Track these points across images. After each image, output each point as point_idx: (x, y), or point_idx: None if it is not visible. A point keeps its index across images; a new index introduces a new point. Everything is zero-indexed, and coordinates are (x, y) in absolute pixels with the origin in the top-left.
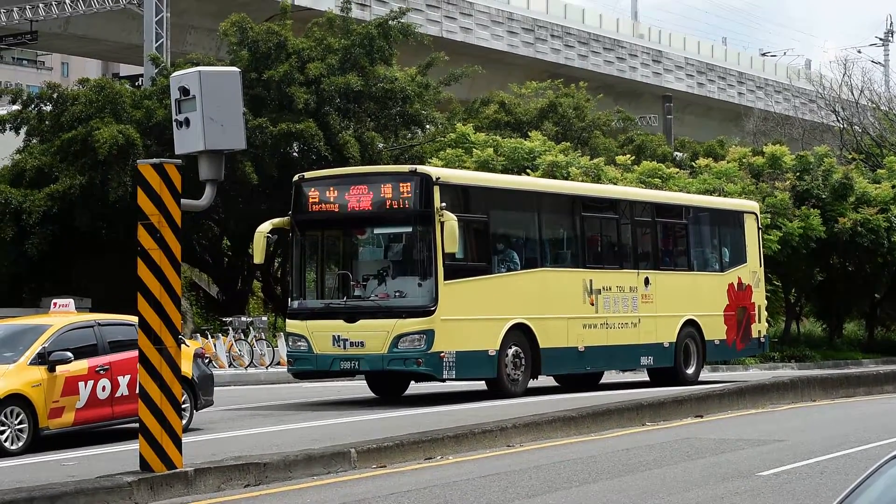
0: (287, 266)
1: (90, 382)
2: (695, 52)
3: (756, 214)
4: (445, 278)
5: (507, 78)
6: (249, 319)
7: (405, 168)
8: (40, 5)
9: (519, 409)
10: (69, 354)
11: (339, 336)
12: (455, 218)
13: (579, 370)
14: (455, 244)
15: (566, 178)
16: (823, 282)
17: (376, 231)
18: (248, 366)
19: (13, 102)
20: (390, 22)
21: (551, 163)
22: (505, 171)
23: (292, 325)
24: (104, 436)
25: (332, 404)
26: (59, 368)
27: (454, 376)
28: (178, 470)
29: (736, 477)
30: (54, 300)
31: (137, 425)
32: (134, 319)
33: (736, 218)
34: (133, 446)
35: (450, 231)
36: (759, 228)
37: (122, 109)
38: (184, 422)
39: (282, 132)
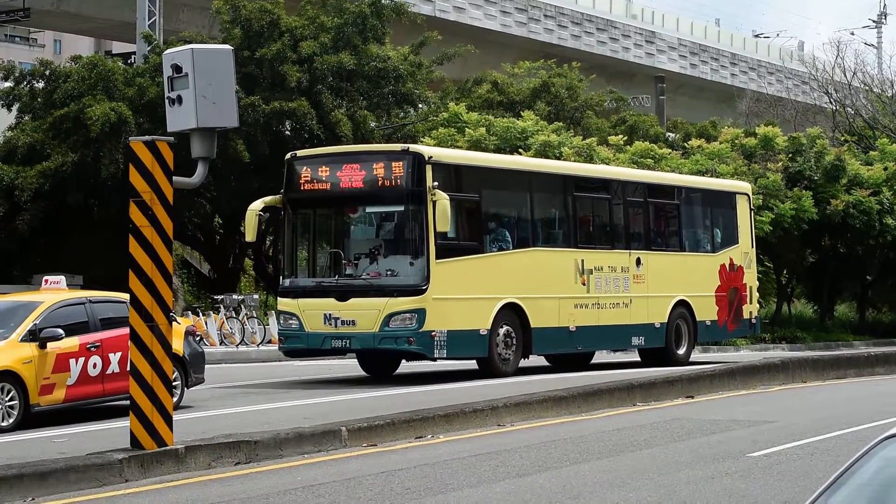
0: (279, 244)
1: (81, 359)
2: (688, 32)
3: (748, 195)
4: (437, 257)
5: (500, 58)
6: (241, 297)
7: (397, 147)
8: None
9: (510, 388)
10: (60, 331)
11: (330, 314)
12: (447, 197)
13: (570, 350)
14: (447, 223)
15: (558, 158)
16: (815, 263)
17: (368, 210)
18: (240, 344)
19: (5, 79)
20: (383, 1)
21: (544, 142)
22: (497, 150)
23: (283, 304)
24: (95, 413)
25: (323, 383)
26: (50, 345)
27: (445, 355)
28: (168, 447)
29: (726, 458)
30: (46, 277)
31: (128, 402)
32: (125, 297)
33: (728, 199)
34: (124, 423)
35: (442, 210)
36: (750, 209)
37: (115, 87)
38: (174, 399)
39: (274, 110)
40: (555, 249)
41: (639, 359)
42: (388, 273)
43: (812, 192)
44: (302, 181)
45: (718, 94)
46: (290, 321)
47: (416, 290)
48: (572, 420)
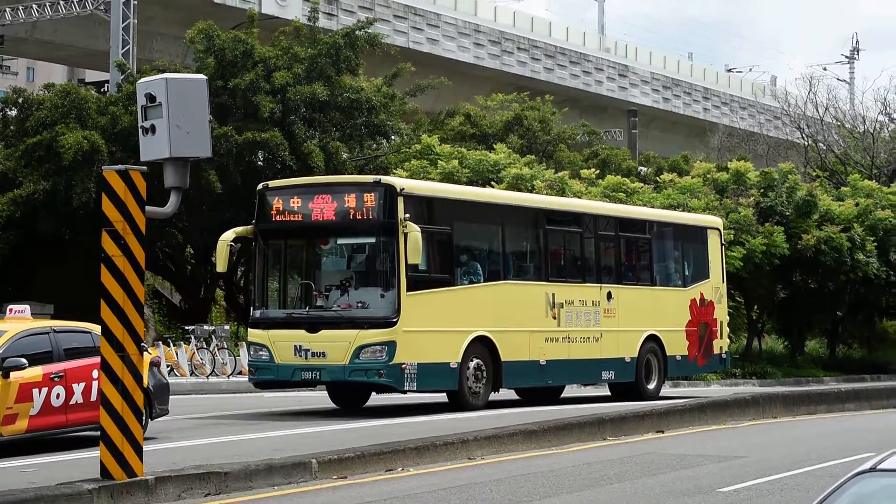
0: (250, 275)
1: (44, 389)
2: (661, 66)
3: (719, 230)
4: (408, 290)
5: (474, 90)
6: (212, 328)
7: (370, 178)
8: (7, 10)
9: (480, 422)
10: (23, 361)
11: (300, 346)
12: (419, 229)
13: (541, 384)
14: (418, 255)
15: (531, 191)
16: (786, 299)
17: (339, 241)
18: (210, 374)
19: None
20: (357, 32)
21: (516, 175)
22: (470, 182)
23: (254, 335)
24: (60, 443)
25: (294, 414)
26: (13, 375)
27: (415, 388)
28: (138, 478)
29: (696, 493)
30: (10, 306)
31: (93, 433)
32: (90, 327)
33: (699, 233)
34: (90, 454)
35: (413, 242)
36: (721, 244)
37: (88, 115)
38: None
39: (247, 141)
40: (526, 283)
41: (609, 393)
42: (359, 305)
43: (783, 228)
44: (273, 212)
45: (691, 128)
46: (261, 352)
47: (387, 323)
48: (543, 454)
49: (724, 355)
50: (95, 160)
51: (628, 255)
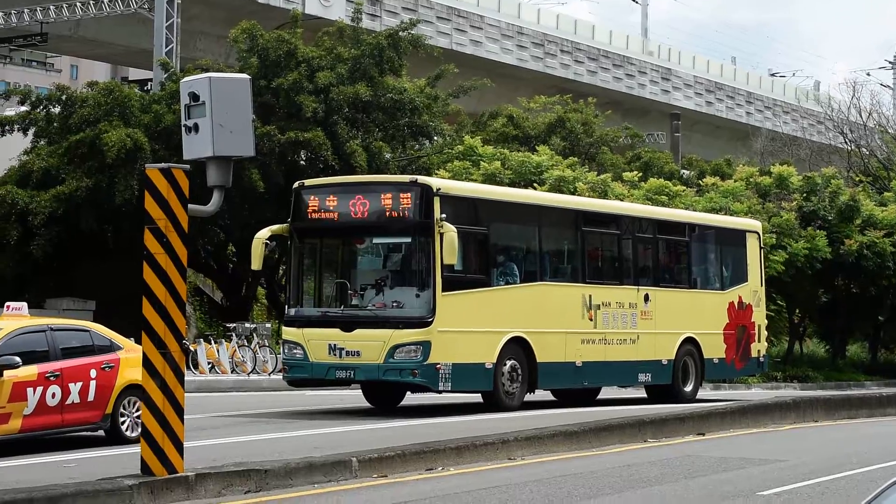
0: (286, 273)
1: (39, 388)
2: (704, 70)
3: (758, 233)
4: (443, 290)
5: (516, 92)
6: (253, 326)
7: (406, 178)
8: (51, 7)
9: (517, 422)
10: (17, 359)
11: (335, 345)
12: (455, 229)
13: (576, 385)
14: (454, 256)
15: (573, 193)
16: (827, 303)
17: (375, 240)
18: (251, 372)
19: (22, 103)
20: (400, 33)
21: (558, 177)
22: (512, 184)
23: (288, 333)
24: (95, 440)
25: (334, 413)
26: (6, 373)
27: (450, 388)
28: (179, 474)
29: (736, 496)
30: (7, 303)
31: (91, 433)
32: (90, 325)
33: (738, 236)
34: (131, 450)
35: (449, 242)
36: (760, 248)
37: (131, 113)
38: (138, 432)
39: (290, 140)
40: (562, 284)
41: (645, 395)
42: (394, 304)
43: (826, 232)
44: (309, 210)
45: (733, 132)
46: (295, 350)
47: (422, 323)
48: (583, 455)
49: (762, 359)
50: (138, 158)
51: (666, 258)
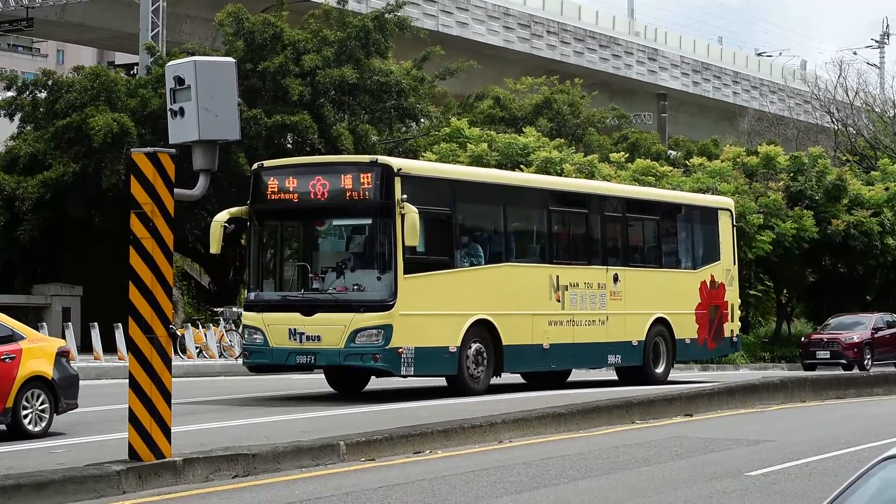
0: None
1: None
2: (690, 50)
3: (730, 211)
4: (405, 272)
5: (503, 73)
6: (240, 310)
7: (366, 158)
8: None
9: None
10: None
11: (295, 329)
12: (416, 210)
13: (544, 368)
14: (416, 237)
15: (560, 175)
16: (815, 283)
17: (335, 222)
18: (239, 356)
19: (8, 89)
20: (386, 15)
21: (545, 159)
22: (499, 166)
23: (248, 318)
24: (85, 426)
25: (322, 398)
26: None
27: (413, 373)
28: (166, 460)
29: (724, 476)
30: None
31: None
32: None
33: (710, 214)
34: (118, 436)
35: (410, 224)
36: (733, 226)
37: (117, 98)
38: (42, 427)
39: (276, 123)
40: (528, 265)
41: (616, 377)
42: (355, 288)
43: (813, 212)
44: (269, 192)
45: (720, 112)
46: (255, 336)
47: (383, 306)
48: (571, 437)
49: (735, 339)
50: (125, 142)
51: (636, 237)
